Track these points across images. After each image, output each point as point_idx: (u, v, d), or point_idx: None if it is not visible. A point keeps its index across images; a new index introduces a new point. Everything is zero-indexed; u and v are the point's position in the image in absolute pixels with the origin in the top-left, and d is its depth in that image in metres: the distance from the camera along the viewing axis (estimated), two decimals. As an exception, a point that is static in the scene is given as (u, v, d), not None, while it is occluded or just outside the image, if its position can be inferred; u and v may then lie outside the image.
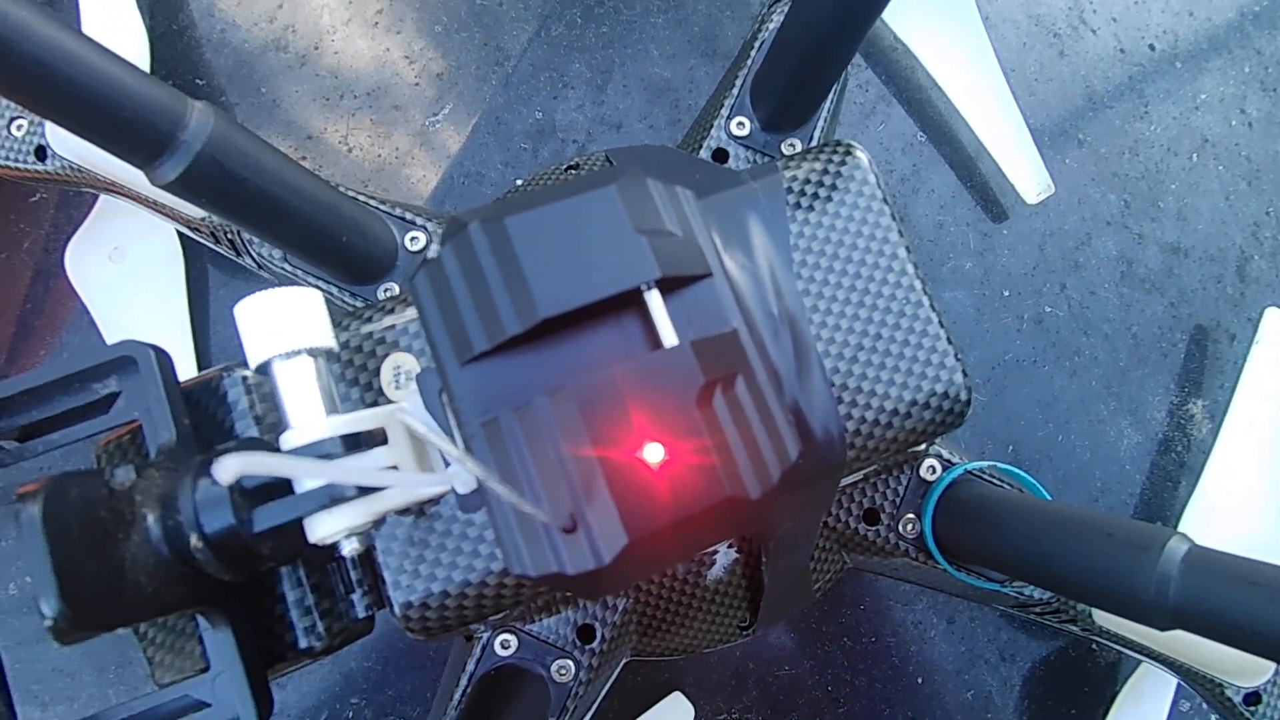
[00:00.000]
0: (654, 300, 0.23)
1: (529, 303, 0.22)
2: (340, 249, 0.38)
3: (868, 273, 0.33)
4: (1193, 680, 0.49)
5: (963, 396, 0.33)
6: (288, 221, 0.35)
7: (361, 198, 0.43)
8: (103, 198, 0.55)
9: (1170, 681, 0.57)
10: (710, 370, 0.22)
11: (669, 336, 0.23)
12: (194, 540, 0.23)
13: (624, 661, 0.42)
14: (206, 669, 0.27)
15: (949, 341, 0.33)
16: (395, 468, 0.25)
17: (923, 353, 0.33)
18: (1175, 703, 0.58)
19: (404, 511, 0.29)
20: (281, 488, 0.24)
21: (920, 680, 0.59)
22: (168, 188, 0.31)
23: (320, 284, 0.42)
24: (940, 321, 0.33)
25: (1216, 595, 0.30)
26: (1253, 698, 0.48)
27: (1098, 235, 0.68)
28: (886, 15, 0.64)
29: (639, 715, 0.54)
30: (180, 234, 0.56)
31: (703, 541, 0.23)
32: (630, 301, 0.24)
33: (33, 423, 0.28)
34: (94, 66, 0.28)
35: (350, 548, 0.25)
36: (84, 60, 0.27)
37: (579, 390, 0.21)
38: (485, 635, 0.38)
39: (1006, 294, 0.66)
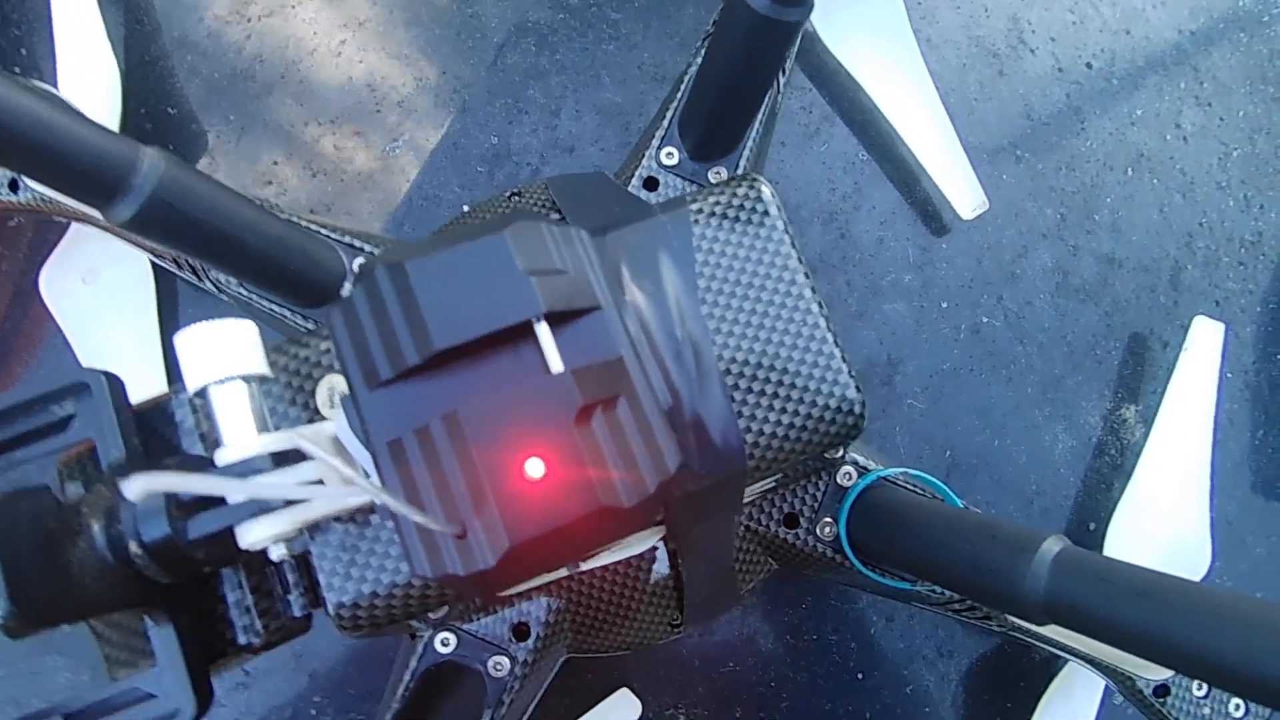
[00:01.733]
0: (543, 332, 0.26)
1: (425, 337, 0.25)
2: (290, 276, 0.41)
3: (769, 296, 0.36)
4: (1108, 674, 0.52)
5: (856, 410, 0.36)
6: (237, 253, 0.38)
7: (314, 226, 0.46)
8: (74, 224, 0.58)
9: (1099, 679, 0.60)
10: (590, 393, 0.25)
11: (555, 364, 0.26)
12: (133, 547, 0.26)
13: (561, 659, 0.45)
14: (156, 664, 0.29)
15: (843, 360, 0.36)
16: (320, 481, 0.28)
17: (819, 370, 0.36)
18: (1107, 696, 0.61)
19: (337, 519, 0.32)
20: (215, 500, 0.27)
21: (860, 676, 0.62)
22: (123, 225, 0.34)
23: (275, 307, 0.45)
24: (835, 341, 0.36)
25: (1078, 592, 0.32)
26: (1161, 690, 0.51)
27: (1034, 248, 0.71)
28: (828, 40, 0.68)
29: (587, 711, 0.56)
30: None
31: (585, 545, 0.26)
32: (527, 333, 0.26)
33: (-3, 442, 0.31)
34: (53, 123, 0.31)
35: (279, 553, 0.28)
36: (44, 119, 0.30)
37: (468, 414, 0.24)
38: (427, 634, 0.41)
39: (945, 305, 0.69)
